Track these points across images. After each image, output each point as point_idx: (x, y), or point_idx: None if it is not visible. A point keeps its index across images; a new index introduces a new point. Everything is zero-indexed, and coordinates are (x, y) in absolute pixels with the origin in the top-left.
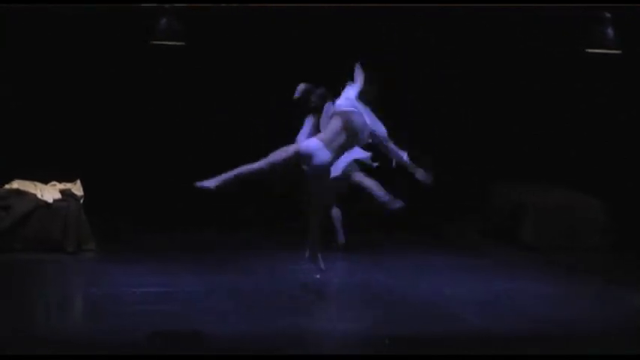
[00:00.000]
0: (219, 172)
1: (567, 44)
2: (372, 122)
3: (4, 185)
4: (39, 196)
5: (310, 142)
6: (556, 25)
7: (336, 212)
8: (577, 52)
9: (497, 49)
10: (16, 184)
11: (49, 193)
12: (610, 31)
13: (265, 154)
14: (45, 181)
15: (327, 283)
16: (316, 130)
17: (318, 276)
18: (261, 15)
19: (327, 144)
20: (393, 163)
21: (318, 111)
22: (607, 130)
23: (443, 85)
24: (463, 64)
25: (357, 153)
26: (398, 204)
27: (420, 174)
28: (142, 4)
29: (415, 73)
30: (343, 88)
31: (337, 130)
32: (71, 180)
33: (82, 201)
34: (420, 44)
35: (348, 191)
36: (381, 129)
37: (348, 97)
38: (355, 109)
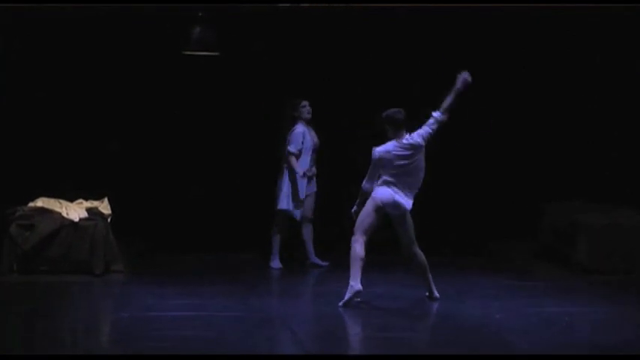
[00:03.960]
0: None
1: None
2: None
3: (28, 203)
4: (64, 214)
5: (385, 192)
6: (616, 33)
7: (307, 231)
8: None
9: (556, 62)
10: (40, 202)
11: (75, 211)
12: None
13: None
14: (71, 199)
15: (371, 304)
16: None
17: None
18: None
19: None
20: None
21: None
22: None
23: (493, 100)
24: (517, 75)
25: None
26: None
27: (460, 81)
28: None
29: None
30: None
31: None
32: (98, 198)
33: (109, 220)
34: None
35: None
36: (427, 127)
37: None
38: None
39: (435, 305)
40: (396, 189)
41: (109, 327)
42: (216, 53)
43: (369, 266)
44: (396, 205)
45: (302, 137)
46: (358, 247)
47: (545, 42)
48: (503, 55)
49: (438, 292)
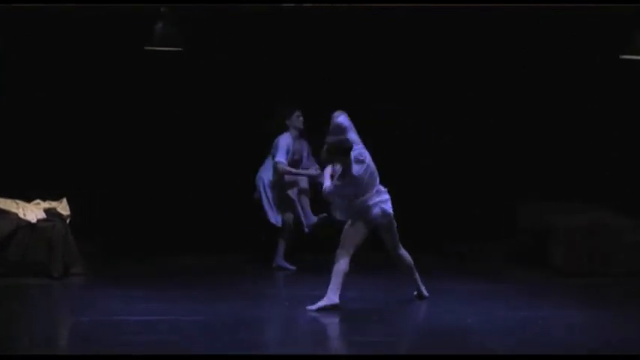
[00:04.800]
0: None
1: (603, 51)
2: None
3: None
4: (21, 215)
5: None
6: (593, 32)
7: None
8: (612, 60)
9: (528, 60)
10: None
11: (33, 212)
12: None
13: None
14: (28, 199)
15: (341, 308)
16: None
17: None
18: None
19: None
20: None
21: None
22: None
23: (465, 101)
24: (487, 76)
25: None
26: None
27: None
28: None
29: (437, 88)
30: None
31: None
32: (57, 198)
33: (68, 221)
34: (447, 57)
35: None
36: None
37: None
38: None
39: (405, 309)
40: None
41: (68, 332)
42: (179, 48)
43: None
44: (384, 215)
45: (287, 147)
46: (343, 262)
47: (524, 43)
48: (476, 56)
49: (409, 296)
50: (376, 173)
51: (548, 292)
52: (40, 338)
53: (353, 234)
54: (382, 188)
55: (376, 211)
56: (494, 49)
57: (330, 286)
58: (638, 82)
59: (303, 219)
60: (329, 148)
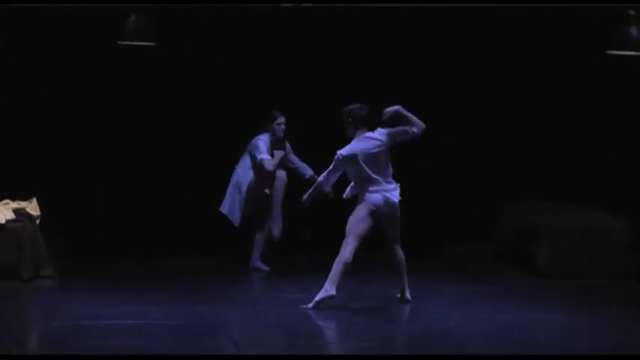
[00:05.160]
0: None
1: (589, 47)
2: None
3: None
4: None
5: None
6: (575, 29)
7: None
8: (600, 56)
9: (515, 59)
10: None
11: (1, 212)
12: (634, 31)
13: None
14: None
15: (321, 311)
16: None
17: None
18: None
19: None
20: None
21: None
22: (634, 144)
23: (451, 99)
24: (475, 74)
25: None
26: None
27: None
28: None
29: (422, 84)
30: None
31: None
32: (26, 198)
33: (38, 222)
34: (430, 54)
35: None
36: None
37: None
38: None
39: (387, 312)
40: (379, 187)
41: (38, 336)
42: (153, 44)
43: (322, 271)
44: (387, 203)
45: (266, 146)
46: (348, 251)
47: (515, 43)
48: (464, 56)
49: (392, 298)
50: (387, 165)
51: (534, 294)
52: (8, 342)
53: (355, 223)
54: (393, 181)
55: (377, 197)
56: (486, 50)
57: (330, 278)
58: (626, 80)
59: (272, 224)
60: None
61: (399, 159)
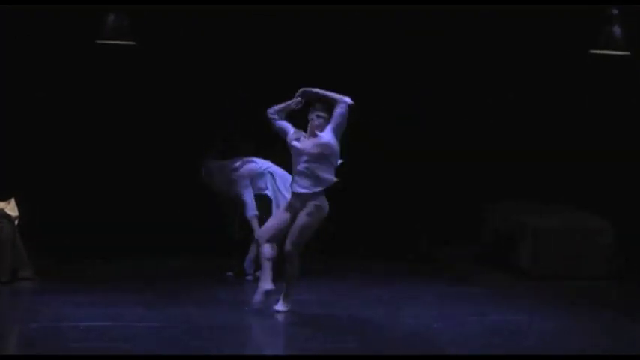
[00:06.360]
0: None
1: (571, 47)
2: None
3: None
4: None
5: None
6: (559, 29)
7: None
8: (582, 56)
9: (494, 58)
10: None
11: None
12: (617, 30)
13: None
14: None
15: (298, 313)
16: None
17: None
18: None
19: None
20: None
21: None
22: (618, 145)
23: (434, 100)
24: (458, 75)
25: None
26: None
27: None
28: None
29: (408, 87)
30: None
31: None
32: (5, 199)
33: (17, 222)
34: (412, 56)
35: None
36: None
37: None
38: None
39: (367, 313)
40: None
41: (17, 338)
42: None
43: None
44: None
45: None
46: (267, 247)
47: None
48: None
49: (372, 299)
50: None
51: (518, 294)
52: None
53: (274, 216)
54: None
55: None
56: (468, 51)
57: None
58: (610, 80)
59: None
60: None
61: (385, 162)
